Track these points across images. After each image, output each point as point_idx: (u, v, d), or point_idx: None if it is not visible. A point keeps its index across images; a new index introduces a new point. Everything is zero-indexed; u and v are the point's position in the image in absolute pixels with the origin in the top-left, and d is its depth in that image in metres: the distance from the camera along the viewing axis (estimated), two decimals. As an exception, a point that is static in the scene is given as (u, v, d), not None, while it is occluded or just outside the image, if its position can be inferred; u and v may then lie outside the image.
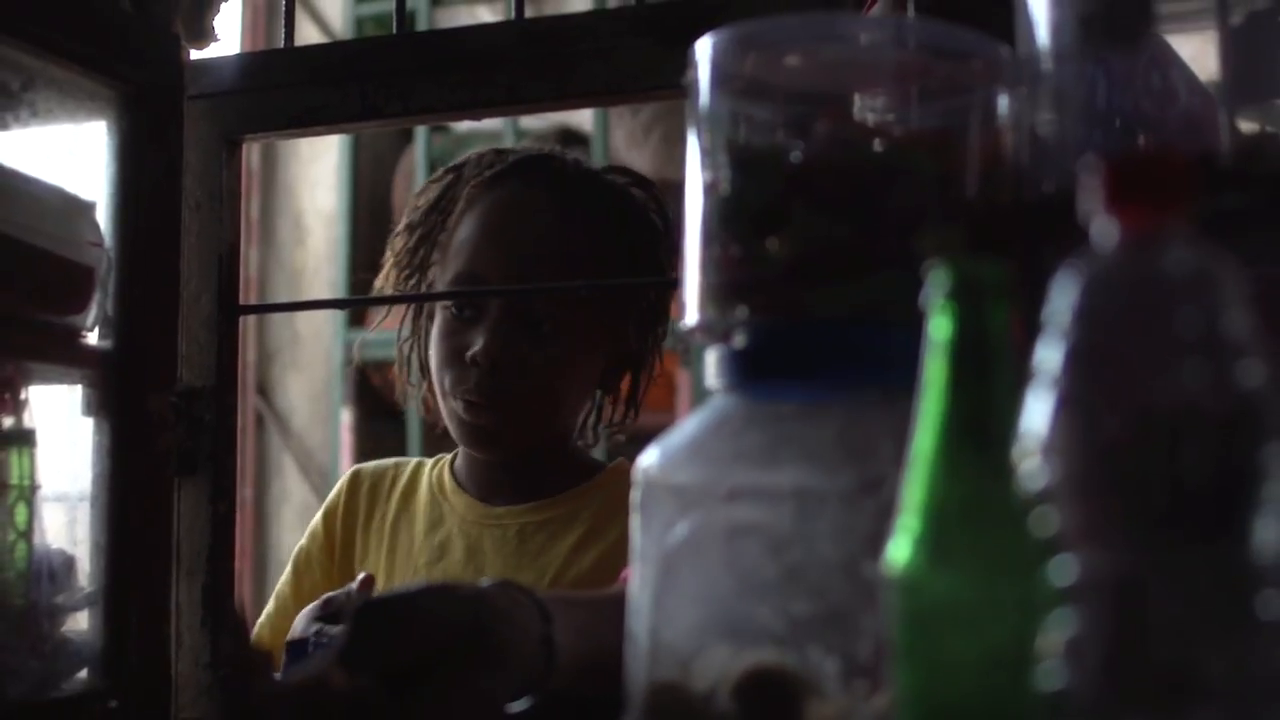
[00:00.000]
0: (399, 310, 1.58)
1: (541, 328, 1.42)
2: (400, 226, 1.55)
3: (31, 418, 1.05)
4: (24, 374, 1.05)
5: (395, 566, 1.49)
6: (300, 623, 1.28)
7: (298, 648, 1.21)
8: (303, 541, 1.56)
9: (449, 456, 1.57)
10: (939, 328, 0.59)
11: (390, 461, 1.61)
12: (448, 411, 1.46)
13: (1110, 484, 0.51)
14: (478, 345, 1.40)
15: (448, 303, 1.45)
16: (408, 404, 1.60)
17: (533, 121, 3.90)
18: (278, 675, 1.22)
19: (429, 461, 1.59)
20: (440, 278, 1.49)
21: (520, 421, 1.44)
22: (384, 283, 1.56)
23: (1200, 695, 0.51)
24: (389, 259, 1.55)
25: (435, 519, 1.51)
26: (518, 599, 0.93)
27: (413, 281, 1.53)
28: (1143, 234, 0.52)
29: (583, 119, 3.90)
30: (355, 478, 1.58)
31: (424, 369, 1.52)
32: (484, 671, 0.86)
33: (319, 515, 1.58)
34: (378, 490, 1.56)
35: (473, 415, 1.42)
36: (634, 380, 1.55)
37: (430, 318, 1.51)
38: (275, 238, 4.64)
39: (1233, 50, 0.89)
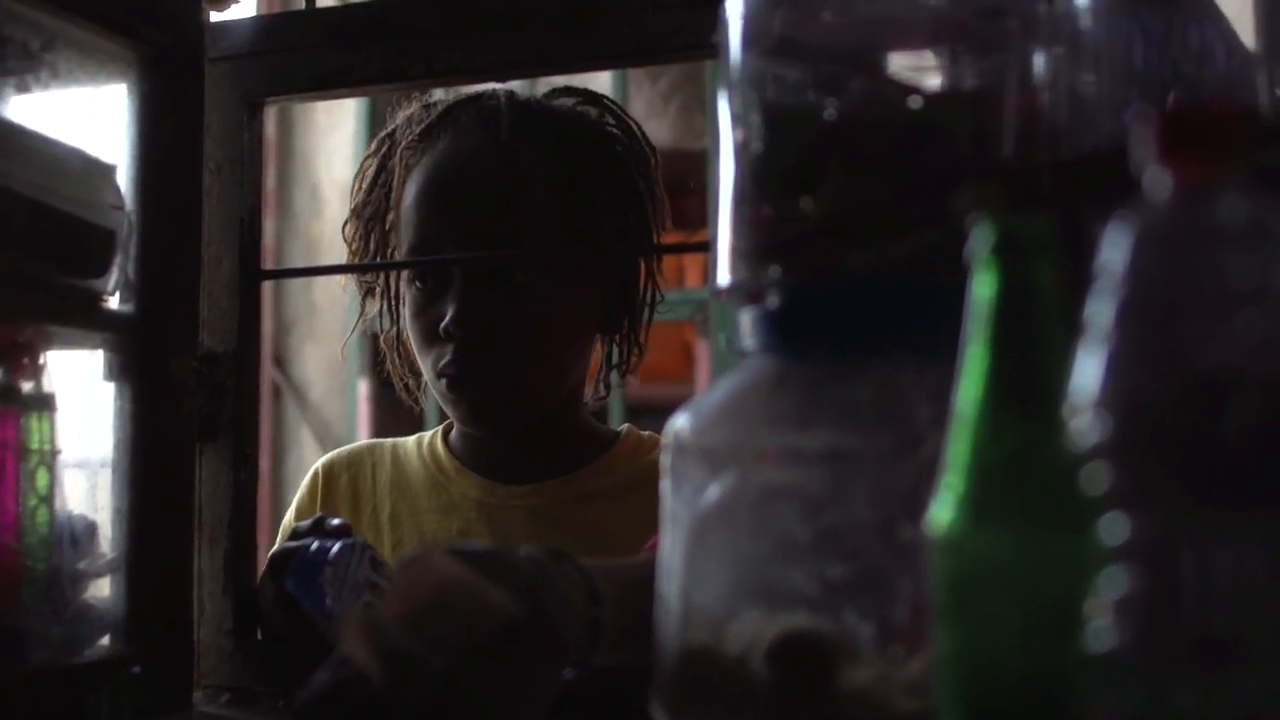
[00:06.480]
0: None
1: (514, 280, 1.29)
2: (349, 213, 1.43)
3: (52, 382, 1.04)
4: (44, 338, 1.05)
5: None
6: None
7: (305, 567, 1.14)
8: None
9: (437, 433, 1.46)
10: (983, 284, 0.58)
11: (359, 448, 1.48)
12: (439, 395, 1.34)
13: (1157, 442, 0.50)
14: (448, 315, 1.28)
15: (412, 279, 1.33)
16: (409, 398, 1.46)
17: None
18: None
19: (407, 442, 1.46)
20: (399, 254, 1.37)
21: (513, 390, 1.32)
22: (347, 278, 1.43)
23: (1244, 660, 0.49)
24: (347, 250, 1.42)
25: (445, 505, 1.39)
26: (573, 578, 0.90)
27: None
28: (1197, 185, 0.50)
29: (601, 86, 3.87)
30: (330, 471, 1.45)
31: (406, 355, 1.40)
32: (540, 657, 0.84)
33: (291, 514, 1.45)
34: (359, 482, 1.44)
35: (456, 392, 1.31)
36: (632, 314, 1.40)
37: (399, 300, 1.38)
38: (292, 208, 4.63)
39: (1271, 9, 0.87)
